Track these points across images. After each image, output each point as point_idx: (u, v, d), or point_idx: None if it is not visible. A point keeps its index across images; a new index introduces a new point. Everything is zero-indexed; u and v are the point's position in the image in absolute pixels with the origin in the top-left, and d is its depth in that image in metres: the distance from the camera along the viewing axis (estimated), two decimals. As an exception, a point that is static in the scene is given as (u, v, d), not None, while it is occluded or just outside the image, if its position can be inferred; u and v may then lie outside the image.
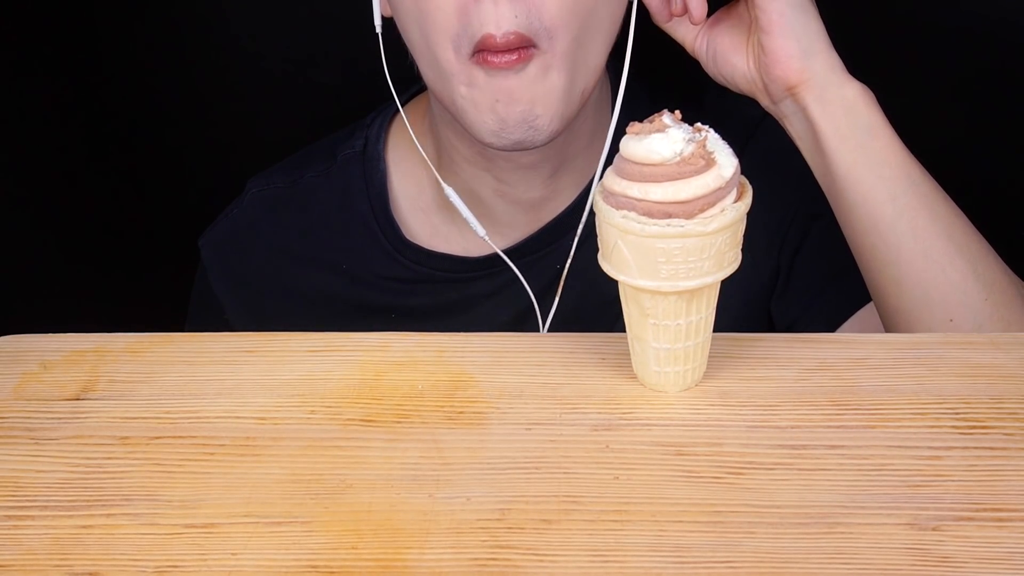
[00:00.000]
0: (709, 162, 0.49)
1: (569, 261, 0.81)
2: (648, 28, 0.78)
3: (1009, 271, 0.72)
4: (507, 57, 0.68)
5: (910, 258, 0.70)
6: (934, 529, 0.45)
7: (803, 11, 0.71)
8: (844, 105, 0.71)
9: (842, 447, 0.50)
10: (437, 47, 0.70)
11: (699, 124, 0.51)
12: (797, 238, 0.83)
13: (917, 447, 0.50)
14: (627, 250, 0.50)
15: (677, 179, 0.49)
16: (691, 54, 0.78)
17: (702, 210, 0.49)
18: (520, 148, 0.72)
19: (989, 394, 0.54)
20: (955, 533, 0.45)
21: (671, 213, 0.49)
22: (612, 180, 0.51)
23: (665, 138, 0.49)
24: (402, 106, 0.84)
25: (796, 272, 0.83)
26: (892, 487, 0.48)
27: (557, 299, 0.81)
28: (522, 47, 0.68)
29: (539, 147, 0.73)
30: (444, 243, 0.85)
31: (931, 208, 0.70)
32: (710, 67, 0.77)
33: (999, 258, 0.72)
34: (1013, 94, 1.07)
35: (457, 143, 0.80)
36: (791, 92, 0.72)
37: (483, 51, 0.68)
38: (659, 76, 0.89)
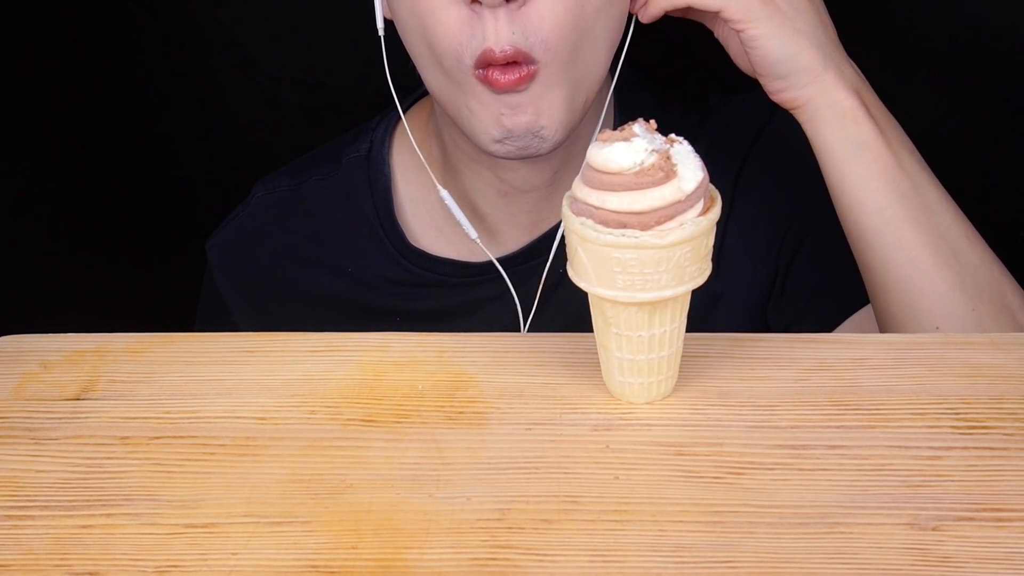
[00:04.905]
0: (669, 174, 0.48)
1: (547, 268, 0.81)
2: (653, 33, 0.78)
3: (1008, 282, 0.73)
4: (510, 76, 0.69)
5: (897, 267, 0.71)
6: (934, 529, 0.45)
7: (782, 25, 0.71)
8: (834, 117, 0.72)
9: (842, 447, 0.50)
10: (443, 59, 0.71)
11: (672, 136, 0.50)
12: (795, 242, 0.84)
13: (917, 447, 0.50)
14: (585, 257, 0.50)
15: (634, 189, 0.48)
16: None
17: (659, 222, 0.48)
18: (523, 156, 0.73)
19: (989, 394, 0.54)
20: (955, 533, 0.45)
21: (626, 223, 0.48)
22: (577, 186, 0.51)
23: (627, 147, 0.48)
24: (405, 111, 0.84)
25: (793, 275, 0.84)
26: (892, 487, 0.48)
27: (533, 307, 0.82)
28: (521, 62, 0.68)
29: (543, 155, 0.74)
30: (448, 247, 0.86)
31: (918, 220, 0.71)
32: (733, 59, 0.77)
33: (998, 269, 0.73)
34: (1014, 95, 1.07)
35: (461, 143, 0.80)
36: (782, 101, 0.73)
37: (488, 67, 0.69)
38: (664, 80, 0.89)
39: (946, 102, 1.08)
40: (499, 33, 0.68)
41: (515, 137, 0.71)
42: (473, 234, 0.81)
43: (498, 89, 0.69)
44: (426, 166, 0.82)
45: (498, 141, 0.72)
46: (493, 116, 0.71)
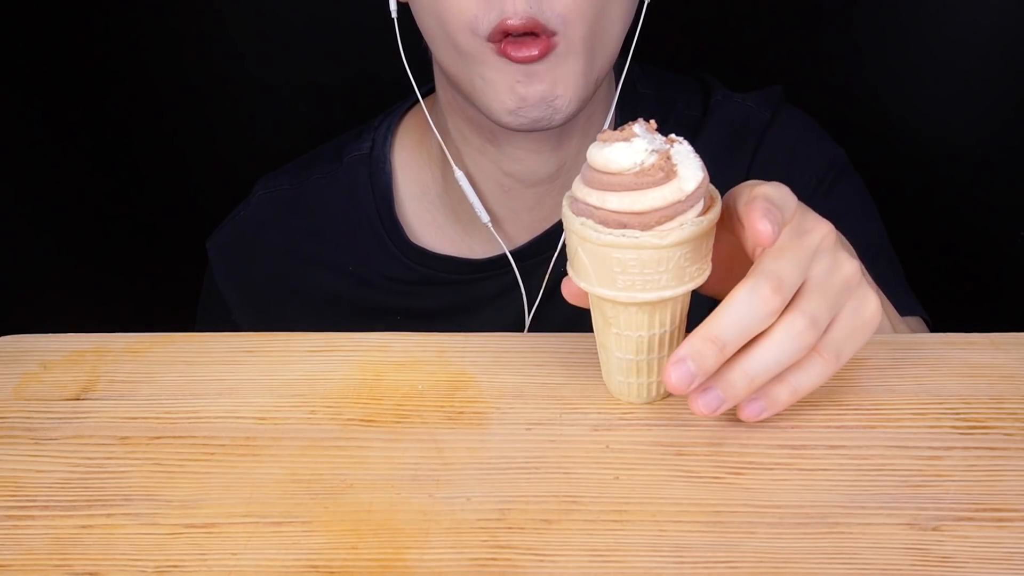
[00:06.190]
0: (669, 174, 0.48)
1: (552, 264, 0.81)
2: (658, 27, 0.78)
3: None
4: (528, 52, 0.68)
5: None
6: (934, 529, 0.45)
7: None
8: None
9: (842, 447, 0.50)
10: (456, 33, 0.70)
11: (672, 136, 0.50)
12: None
13: (917, 447, 0.50)
14: (586, 257, 0.50)
15: (634, 189, 0.48)
16: None
17: (659, 223, 0.48)
18: (536, 128, 0.73)
19: (989, 394, 0.54)
20: (955, 533, 0.45)
21: (626, 223, 0.48)
22: (577, 186, 0.51)
23: (627, 148, 0.48)
24: (411, 107, 0.84)
25: None
26: (892, 487, 0.48)
27: (537, 302, 0.82)
28: (538, 33, 0.68)
29: (554, 128, 0.74)
30: (448, 245, 0.86)
31: None
32: None
33: None
34: (1012, 99, 1.07)
35: (468, 132, 0.81)
36: None
37: (504, 39, 0.69)
38: (667, 74, 0.89)
39: (948, 106, 1.08)
40: (516, 4, 0.68)
41: (529, 107, 0.71)
42: (485, 217, 0.81)
43: (513, 62, 0.69)
44: (442, 144, 0.82)
45: (512, 112, 0.71)
46: (508, 84, 0.70)
